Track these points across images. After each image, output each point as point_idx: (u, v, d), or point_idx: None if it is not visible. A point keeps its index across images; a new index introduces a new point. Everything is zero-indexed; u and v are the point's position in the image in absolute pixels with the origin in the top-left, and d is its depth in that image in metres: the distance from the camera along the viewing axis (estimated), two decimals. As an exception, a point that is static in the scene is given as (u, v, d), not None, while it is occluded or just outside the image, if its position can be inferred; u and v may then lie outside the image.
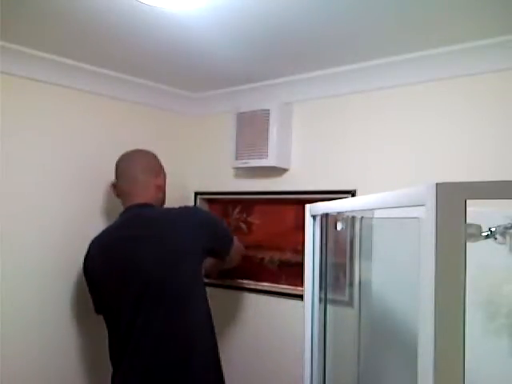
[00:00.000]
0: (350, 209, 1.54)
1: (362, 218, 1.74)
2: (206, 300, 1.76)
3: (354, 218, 1.75)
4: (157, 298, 1.64)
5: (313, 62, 1.82)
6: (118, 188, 1.87)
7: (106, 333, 1.76)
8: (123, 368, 1.67)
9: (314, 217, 1.48)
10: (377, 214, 1.69)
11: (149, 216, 1.77)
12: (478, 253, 0.87)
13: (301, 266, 1.58)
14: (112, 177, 1.92)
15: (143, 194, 1.81)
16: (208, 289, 1.83)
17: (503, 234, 1.22)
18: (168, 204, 1.94)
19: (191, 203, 2.35)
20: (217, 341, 1.76)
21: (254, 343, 2.12)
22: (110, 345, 1.74)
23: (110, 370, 1.73)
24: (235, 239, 1.92)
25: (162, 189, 1.90)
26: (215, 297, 1.98)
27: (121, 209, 1.85)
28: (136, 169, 1.85)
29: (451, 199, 0.69)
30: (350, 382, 1.72)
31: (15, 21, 1.48)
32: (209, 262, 1.94)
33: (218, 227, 1.88)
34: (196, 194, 2.36)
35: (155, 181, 1.86)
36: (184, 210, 1.85)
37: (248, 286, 2.16)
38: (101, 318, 1.77)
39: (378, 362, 1.66)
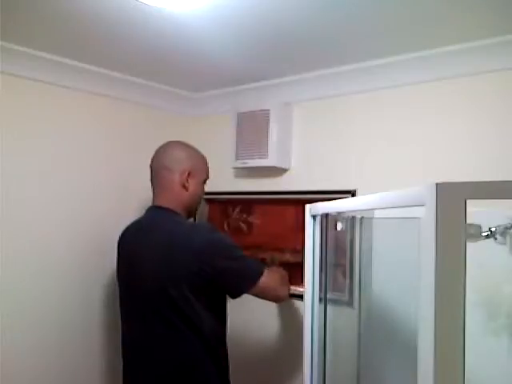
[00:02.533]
0: (350, 209, 1.54)
1: (362, 217, 1.74)
2: (201, 329, 1.54)
3: (354, 218, 1.75)
4: (140, 312, 1.60)
5: (313, 61, 1.82)
6: (151, 181, 1.72)
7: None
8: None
9: (314, 217, 1.48)
10: (377, 214, 1.69)
11: (158, 227, 1.62)
12: (478, 253, 0.87)
13: (301, 266, 1.58)
14: (110, 175, 1.92)
15: (165, 193, 1.66)
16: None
17: (503, 234, 1.22)
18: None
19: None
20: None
21: (254, 343, 2.12)
22: None
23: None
24: (265, 280, 1.56)
25: (191, 192, 1.67)
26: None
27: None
28: (161, 162, 1.68)
29: (451, 199, 0.69)
30: (350, 382, 1.72)
31: (15, 21, 1.48)
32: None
33: (228, 262, 1.54)
34: (196, 193, 2.36)
35: (180, 178, 1.65)
36: (198, 232, 1.57)
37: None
38: None
39: (378, 362, 1.66)
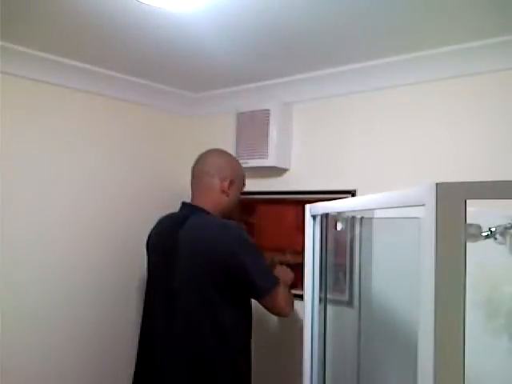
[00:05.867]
0: (350, 209, 1.54)
1: (362, 218, 1.74)
2: (220, 330, 1.59)
3: (354, 218, 1.75)
4: (167, 306, 1.64)
5: (313, 61, 1.82)
6: (191, 185, 1.79)
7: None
8: None
9: (313, 217, 1.48)
10: (377, 214, 1.68)
11: (190, 222, 1.65)
12: (477, 253, 0.87)
13: (301, 266, 1.58)
14: (111, 175, 1.92)
15: (204, 196, 1.73)
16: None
17: (503, 234, 1.22)
18: (167, 203, 1.92)
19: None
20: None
21: (254, 343, 2.12)
22: None
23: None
24: (279, 292, 1.60)
25: (230, 198, 1.75)
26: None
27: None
28: (203, 168, 1.76)
29: (451, 199, 0.69)
30: (350, 382, 1.72)
31: (15, 21, 1.48)
32: None
33: (252, 263, 1.58)
34: (196, 194, 2.35)
35: (221, 184, 1.72)
36: (227, 229, 1.62)
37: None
38: None
39: (378, 362, 1.66)
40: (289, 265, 2.01)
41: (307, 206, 1.50)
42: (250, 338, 1.74)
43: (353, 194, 1.85)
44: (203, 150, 1.85)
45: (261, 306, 1.89)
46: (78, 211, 1.97)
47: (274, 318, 2.09)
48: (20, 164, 1.79)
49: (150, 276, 1.77)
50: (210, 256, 1.56)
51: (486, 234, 1.17)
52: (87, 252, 2.00)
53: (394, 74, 1.75)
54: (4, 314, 1.74)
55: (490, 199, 0.70)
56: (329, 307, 1.58)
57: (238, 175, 1.79)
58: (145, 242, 1.83)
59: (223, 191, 1.73)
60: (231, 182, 1.74)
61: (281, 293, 1.61)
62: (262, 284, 1.59)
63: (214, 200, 1.72)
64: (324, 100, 1.98)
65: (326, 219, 1.53)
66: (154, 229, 1.82)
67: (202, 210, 1.69)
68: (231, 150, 2.11)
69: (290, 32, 1.52)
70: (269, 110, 2.01)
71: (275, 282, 1.61)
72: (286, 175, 2.09)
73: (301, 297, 1.60)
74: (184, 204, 1.77)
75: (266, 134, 2.01)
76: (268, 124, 2.01)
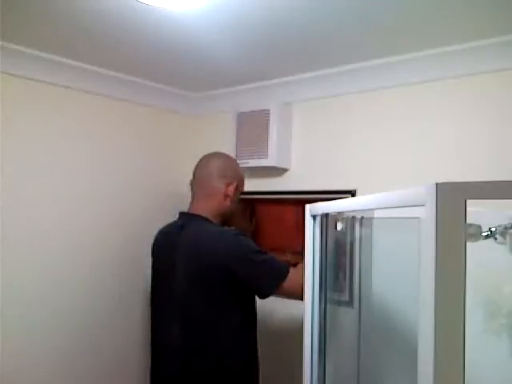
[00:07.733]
0: (350, 209, 1.54)
1: (362, 218, 1.73)
2: (228, 333, 1.62)
3: (354, 218, 1.75)
4: (170, 313, 1.66)
5: (313, 61, 1.82)
6: (191, 187, 1.78)
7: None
8: None
9: (313, 217, 1.47)
10: (377, 214, 1.68)
11: (188, 232, 1.66)
12: (478, 253, 0.87)
13: (301, 265, 1.58)
14: (110, 175, 1.92)
15: (205, 201, 1.71)
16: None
17: (503, 234, 1.22)
18: (167, 203, 1.92)
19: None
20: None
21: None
22: None
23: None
24: (288, 283, 1.58)
25: (231, 201, 1.74)
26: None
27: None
28: (206, 172, 1.74)
29: (451, 199, 0.69)
30: (350, 382, 1.72)
31: (15, 21, 1.48)
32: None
33: (251, 268, 1.58)
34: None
35: (226, 189, 1.71)
36: (223, 238, 1.61)
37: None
38: None
39: (378, 362, 1.66)
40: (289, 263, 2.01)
41: (307, 206, 1.50)
42: (256, 336, 1.74)
43: (353, 194, 1.85)
44: (203, 149, 1.84)
45: (261, 307, 1.89)
46: (77, 211, 1.97)
47: (274, 318, 2.08)
48: (20, 164, 1.79)
49: (154, 284, 1.77)
50: (210, 264, 1.56)
51: (486, 234, 1.17)
52: (86, 252, 2.00)
53: (393, 74, 1.75)
54: (4, 315, 1.74)
55: (490, 199, 0.69)
56: (329, 307, 1.57)
57: (241, 179, 1.79)
58: (144, 242, 1.87)
59: (227, 195, 1.72)
60: (237, 187, 1.73)
61: (291, 281, 1.57)
62: (269, 282, 1.58)
63: (216, 205, 1.71)
64: (324, 100, 1.98)
65: (325, 219, 1.53)
66: (156, 239, 1.82)
67: (200, 218, 1.68)
68: (231, 150, 2.11)
69: (289, 32, 1.52)
70: (269, 110, 2.01)
71: (282, 274, 1.57)
72: (286, 175, 2.09)
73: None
74: (181, 213, 1.76)
75: (266, 134, 2.01)
76: (268, 124, 2.01)
